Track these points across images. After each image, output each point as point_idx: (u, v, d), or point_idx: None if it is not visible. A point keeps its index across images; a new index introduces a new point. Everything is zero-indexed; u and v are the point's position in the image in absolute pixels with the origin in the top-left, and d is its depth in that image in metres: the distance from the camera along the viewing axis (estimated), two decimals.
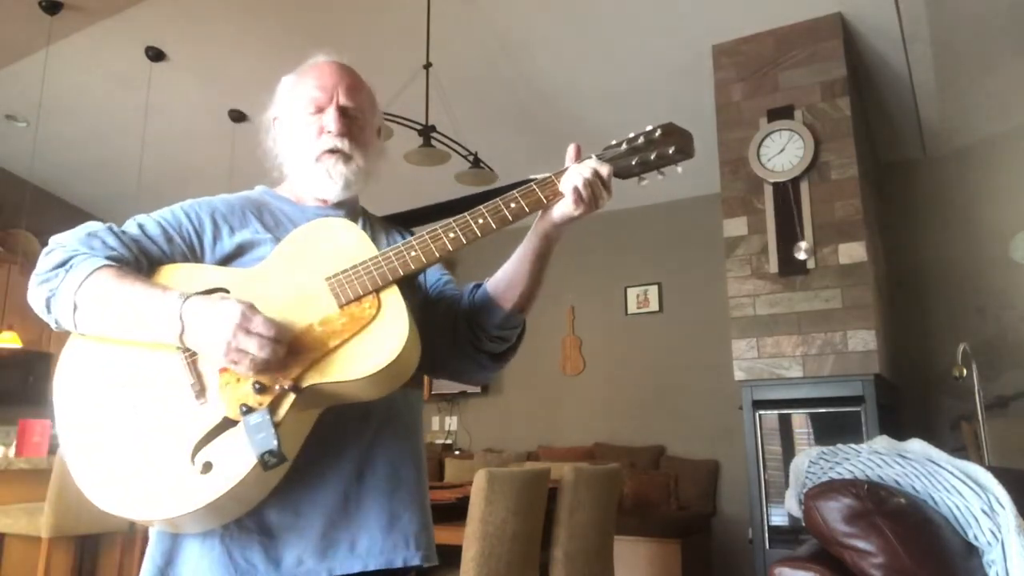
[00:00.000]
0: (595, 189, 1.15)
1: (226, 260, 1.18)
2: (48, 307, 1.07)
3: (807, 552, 1.62)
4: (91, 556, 3.81)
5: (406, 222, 1.42)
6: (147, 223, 1.19)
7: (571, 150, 1.21)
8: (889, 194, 5.22)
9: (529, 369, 6.36)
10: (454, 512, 2.74)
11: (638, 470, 5.27)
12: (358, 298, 1.09)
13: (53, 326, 1.10)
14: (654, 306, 5.95)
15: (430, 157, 3.87)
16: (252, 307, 1.02)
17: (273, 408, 1.01)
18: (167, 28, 4.50)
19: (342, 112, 1.25)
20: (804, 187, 3.83)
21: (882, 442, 1.93)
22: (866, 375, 3.55)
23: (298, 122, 1.26)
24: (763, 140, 3.94)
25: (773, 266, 3.82)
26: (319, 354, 1.04)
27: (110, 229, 1.15)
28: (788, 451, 3.72)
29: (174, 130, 5.45)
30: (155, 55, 4.72)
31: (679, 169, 1.19)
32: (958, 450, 3.78)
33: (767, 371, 3.77)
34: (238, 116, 5.30)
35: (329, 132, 1.23)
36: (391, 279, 1.10)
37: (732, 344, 3.89)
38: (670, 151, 1.19)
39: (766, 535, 3.66)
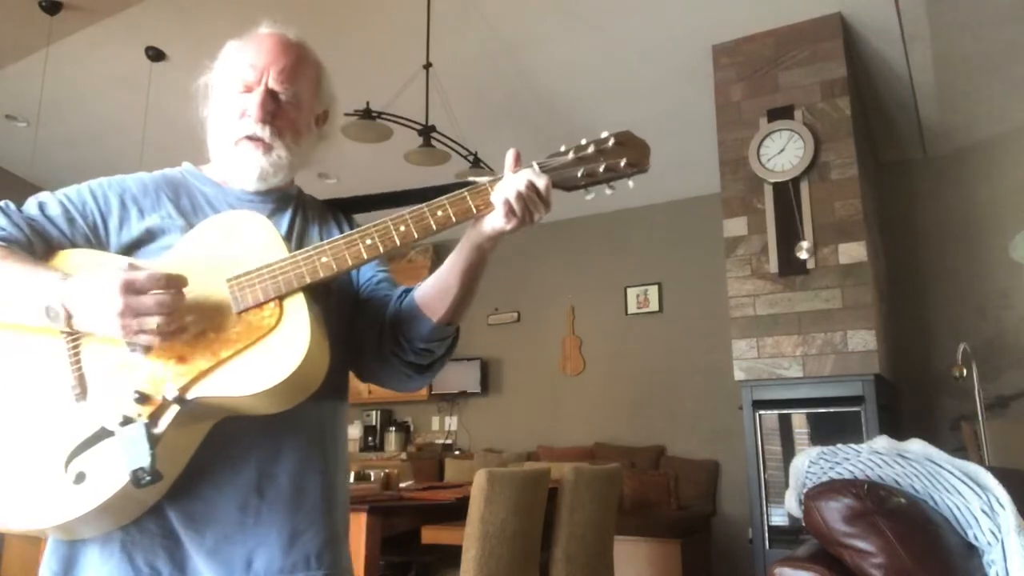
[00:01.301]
0: (529, 203, 1.01)
1: (132, 247, 1.08)
2: None
3: (807, 552, 1.62)
4: None
5: (350, 208, 1.31)
6: (48, 202, 1.09)
7: (510, 156, 1.05)
8: (889, 194, 5.22)
9: (529, 369, 6.36)
10: (454, 512, 2.74)
11: (638, 470, 5.27)
12: (258, 305, 0.98)
13: None
14: (654, 306, 5.96)
15: (430, 157, 3.87)
16: (133, 264, 0.94)
17: (154, 420, 0.91)
18: (167, 28, 4.49)
19: (270, 95, 1.12)
20: (804, 187, 3.83)
21: (882, 442, 1.92)
22: (866, 375, 3.55)
23: (224, 98, 1.15)
24: (763, 140, 3.94)
25: (773, 266, 3.82)
26: (209, 364, 0.94)
27: (2, 207, 1.06)
28: (788, 451, 3.72)
29: (174, 130, 5.44)
30: (155, 55, 4.72)
31: (631, 184, 1.07)
32: (958, 450, 3.78)
33: (767, 371, 3.77)
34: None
35: (249, 116, 1.11)
36: (296, 286, 0.99)
37: (732, 344, 3.89)
38: (622, 163, 1.04)
39: (766, 535, 3.66)
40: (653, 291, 5.97)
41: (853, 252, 3.68)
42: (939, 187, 5.15)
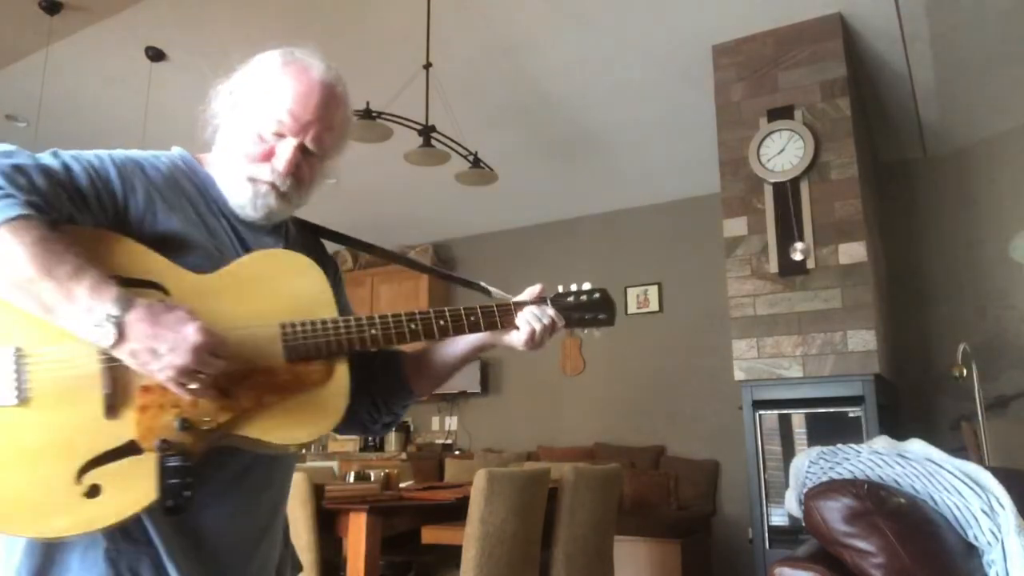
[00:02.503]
0: (546, 335, 1.18)
1: (153, 245, 1.01)
2: None
3: (807, 552, 1.62)
4: None
5: (321, 234, 1.31)
6: (75, 169, 0.98)
7: (536, 289, 1.23)
8: (889, 194, 5.22)
9: (529, 369, 6.36)
10: (454, 512, 2.74)
11: (638, 470, 5.27)
12: (309, 359, 1.01)
13: None
14: (654, 306, 5.96)
15: (430, 157, 3.86)
16: (213, 331, 0.91)
17: (192, 449, 0.91)
18: (167, 28, 4.49)
19: (302, 151, 1.10)
20: (804, 187, 3.83)
21: (882, 442, 1.93)
22: (866, 375, 3.55)
23: (250, 126, 1.09)
24: (763, 140, 3.94)
25: (773, 266, 3.82)
26: (252, 404, 0.95)
27: (41, 167, 0.94)
28: (788, 451, 3.72)
29: (174, 130, 5.44)
30: (155, 55, 4.72)
31: (597, 333, 1.25)
32: (958, 450, 3.78)
33: (767, 371, 3.77)
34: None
35: (276, 166, 1.08)
36: (345, 350, 1.04)
37: (732, 344, 3.89)
38: (599, 316, 1.23)
39: (766, 535, 3.66)
40: (653, 291, 5.97)
41: (853, 252, 3.68)
42: (939, 187, 5.15)
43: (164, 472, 0.89)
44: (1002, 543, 1.61)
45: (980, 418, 3.72)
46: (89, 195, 0.97)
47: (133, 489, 0.89)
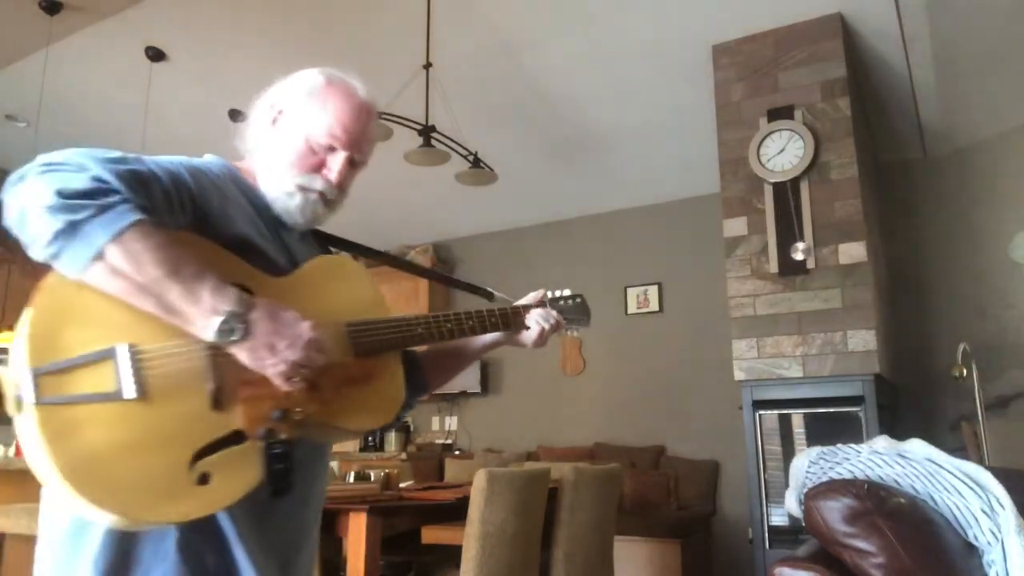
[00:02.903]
0: (550, 335, 1.40)
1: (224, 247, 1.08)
2: (55, 235, 0.87)
3: (807, 552, 1.62)
4: None
5: (330, 242, 1.39)
6: (161, 174, 1.01)
7: (538, 293, 1.45)
8: (889, 194, 5.22)
9: (529, 369, 6.36)
10: (454, 512, 2.74)
11: (638, 470, 5.27)
12: (374, 354, 1.14)
13: (39, 254, 0.89)
14: (654, 306, 5.96)
15: (430, 157, 3.86)
16: (313, 323, 1.01)
17: (289, 437, 0.99)
18: (167, 28, 4.49)
19: (350, 163, 1.20)
20: (804, 187, 3.83)
21: (882, 442, 1.93)
22: (866, 375, 3.55)
23: (301, 139, 1.17)
24: (763, 140, 3.94)
25: (773, 266, 3.82)
26: (332, 395, 1.06)
27: (144, 172, 0.98)
28: (788, 451, 3.72)
29: (174, 130, 5.45)
30: (155, 55, 4.72)
31: (576, 333, 1.48)
32: (958, 450, 3.78)
33: (767, 371, 3.77)
34: (238, 116, 5.30)
35: (329, 179, 1.18)
36: (398, 347, 1.20)
37: (732, 344, 3.89)
38: (581, 318, 1.48)
39: (766, 535, 3.66)
40: (653, 291, 5.97)
41: (853, 252, 3.68)
42: (939, 187, 5.15)
43: (270, 459, 0.96)
44: (1002, 543, 1.61)
45: (980, 418, 3.73)
46: (174, 199, 1.02)
47: (239, 475, 0.95)
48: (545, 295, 1.45)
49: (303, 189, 1.16)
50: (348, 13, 4.26)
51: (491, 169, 4.19)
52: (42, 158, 0.92)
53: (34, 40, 4.46)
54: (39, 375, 0.86)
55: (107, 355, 0.90)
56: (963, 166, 5.06)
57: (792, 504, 1.90)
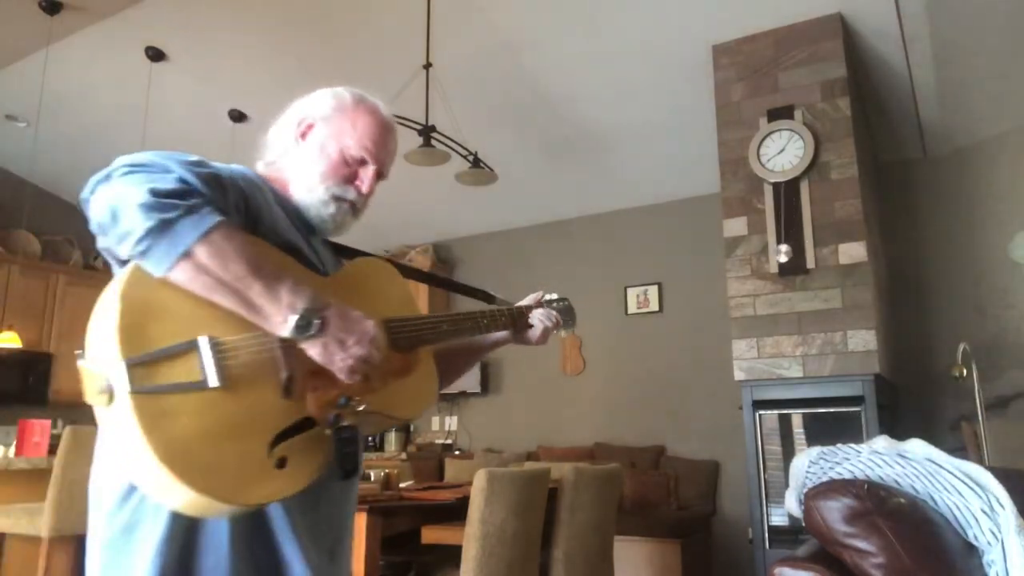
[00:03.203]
0: (551, 333, 1.54)
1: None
2: (147, 232, 0.91)
3: (807, 552, 1.62)
4: None
5: (342, 252, 1.45)
6: (222, 178, 1.06)
7: (537, 295, 1.58)
8: (889, 194, 5.22)
9: (529, 369, 6.36)
10: (454, 512, 2.74)
11: (638, 470, 5.27)
12: (410, 349, 1.24)
13: (128, 250, 0.93)
14: (654, 306, 5.95)
15: (430, 157, 3.87)
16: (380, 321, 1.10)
17: (352, 423, 1.07)
18: (167, 28, 4.50)
19: (377, 175, 1.29)
20: (804, 187, 3.83)
21: (882, 442, 1.92)
22: (866, 375, 3.55)
23: (335, 152, 1.25)
24: (763, 140, 3.94)
25: (773, 266, 3.82)
26: (379, 385, 1.13)
27: (214, 175, 1.03)
28: (788, 451, 3.72)
29: (174, 130, 5.45)
30: (155, 55, 4.72)
31: (564, 333, 1.61)
32: (958, 450, 3.78)
33: (767, 371, 3.77)
34: (238, 116, 5.30)
35: (361, 190, 1.27)
36: (429, 342, 1.29)
37: (732, 344, 3.89)
38: (568, 320, 1.63)
39: (766, 535, 3.66)
40: (653, 291, 5.97)
41: (853, 252, 3.68)
42: (939, 187, 5.14)
43: (340, 443, 1.04)
44: (1002, 543, 1.61)
45: (980, 418, 3.73)
46: (240, 204, 1.09)
47: (312, 459, 1.02)
48: (543, 296, 1.58)
49: (337, 199, 1.24)
50: (348, 13, 4.27)
51: (491, 169, 4.19)
52: (125, 159, 0.97)
53: (34, 40, 4.47)
54: (132, 365, 0.89)
55: (191, 346, 0.94)
56: (963, 166, 5.06)
57: (792, 504, 1.90)
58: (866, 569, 1.47)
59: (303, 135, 1.26)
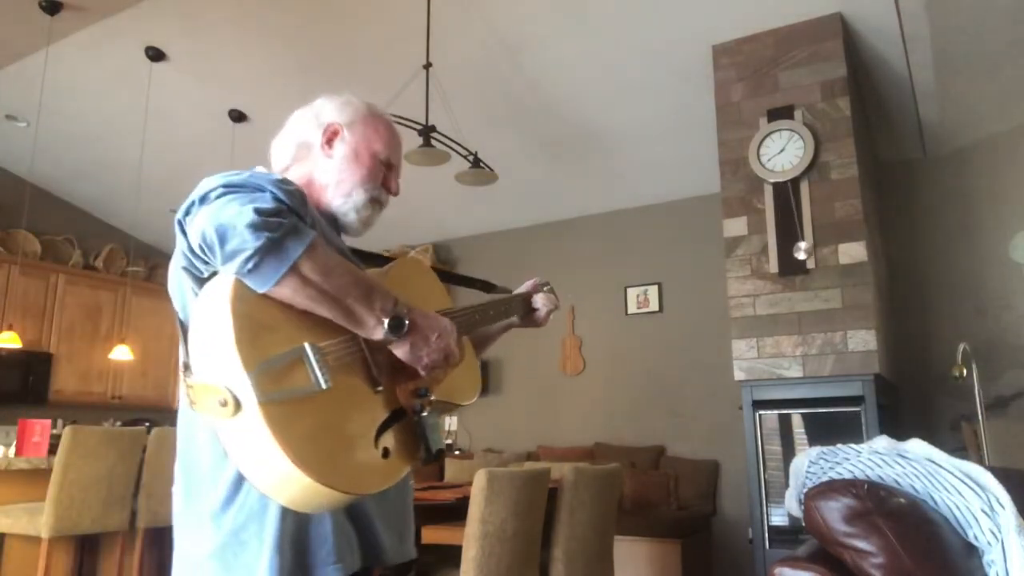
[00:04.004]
0: (552, 314, 1.65)
1: None
2: (256, 250, 0.95)
3: (807, 552, 1.62)
4: (91, 556, 3.81)
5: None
6: (305, 199, 1.12)
7: (532, 281, 1.67)
8: (889, 194, 5.22)
9: (529, 369, 6.36)
10: (454, 512, 2.74)
11: (638, 470, 5.27)
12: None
13: (236, 267, 0.96)
14: (654, 306, 5.96)
15: (430, 157, 3.86)
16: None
17: (431, 412, 1.15)
18: (167, 28, 4.50)
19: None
20: (804, 187, 3.84)
21: (882, 442, 1.92)
22: (866, 375, 3.55)
23: (369, 158, 1.31)
24: (763, 140, 3.94)
25: (773, 266, 3.82)
26: (443, 375, 1.20)
27: (303, 192, 1.10)
28: (788, 451, 3.72)
29: (174, 130, 5.45)
30: (155, 55, 4.72)
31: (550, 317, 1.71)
32: (958, 450, 3.79)
33: (767, 371, 3.77)
34: (238, 116, 5.30)
35: (392, 191, 1.35)
36: (469, 332, 1.37)
37: (732, 344, 3.89)
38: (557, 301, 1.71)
39: (766, 535, 3.66)
40: (653, 291, 5.97)
41: (853, 252, 3.68)
42: (939, 187, 5.15)
43: (427, 429, 1.12)
44: (1002, 543, 1.61)
45: (980, 418, 3.72)
46: (308, 216, 1.15)
47: (407, 447, 1.11)
48: (538, 282, 1.68)
49: (374, 201, 1.32)
50: (349, 13, 4.26)
51: (491, 169, 4.19)
52: (217, 180, 1.02)
53: (34, 40, 4.47)
54: (257, 376, 0.94)
55: (298, 353, 1.00)
56: (963, 166, 5.06)
57: (792, 504, 1.90)
58: (866, 569, 1.47)
59: (329, 142, 1.31)
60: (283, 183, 1.05)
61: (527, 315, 1.63)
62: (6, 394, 5.94)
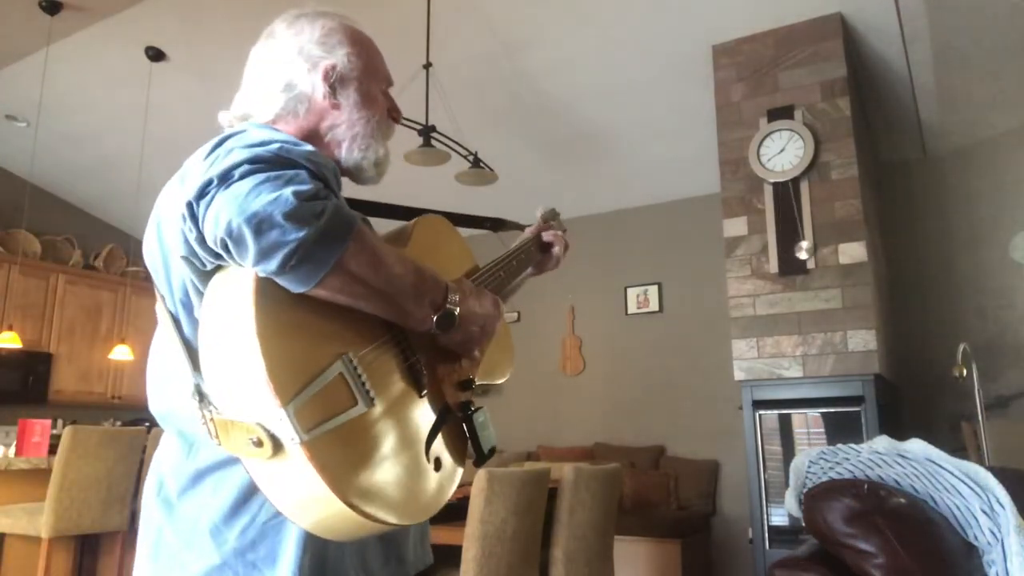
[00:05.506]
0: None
1: None
2: (299, 246, 0.76)
3: (807, 552, 1.62)
4: (91, 556, 3.81)
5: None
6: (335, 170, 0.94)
7: (540, 211, 1.60)
8: (889, 194, 5.23)
9: (529, 369, 6.36)
10: (454, 512, 2.73)
11: (638, 470, 5.27)
12: None
13: (272, 265, 0.77)
14: (654, 306, 5.95)
15: (430, 157, 3.86)
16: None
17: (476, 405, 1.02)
18: (167, 28, 4.49)
19: None
20: (804, 187, 3.84)
21: (882, 442, 1.92)
22: (866, 375, 3.55)
23: (379, 95, 1.11)
24: (763, 140, 3.94)
25: (773, 266, 3.82)
26: (481, 356, 1.07)
27: (333, 164, 0.91)
28: (788, 451, 3.72)
29: (174, 130, 5.45)
30: (155, 55, 4.72)
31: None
32: (958, 450, 3.78)
33: (767, 371, 3.77)
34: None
35: (399, 120, 1.13)
36: (497, 292, 1.17)
37: (732, 344, 3.89)
38: (561, 222, 1.67)
39: (766, 535, 3.66)
40: (653, 291, 5.97)
41: (853, 252, 3.68)
42: (939, 187, 5.15)
43: (476, 427, 0.99)
44: (1002, 543, 1.61)
45: (980, 418, 3.72)
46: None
47: (457, 452, 0.98)
48: (544, 214, 1.60)
49: (388, 138, 1.12)
50: (348, 13, 4.26)
51: (491, 169, 4.19)
52: (240, 154, 0.81)
53: (34, 40, 4.47)
54: (295, 412, 0.77)
55: (333, 372, 0.83)
56: (963, 166, 5.06)
57: (792, 504, 1.90)
58: (866, 569, 1.47)
59: (333, 90, 1.08)
60: (314, 155, 0.86)
61: (542, 258, 1.48)
62: (6, 394, 5.94)
